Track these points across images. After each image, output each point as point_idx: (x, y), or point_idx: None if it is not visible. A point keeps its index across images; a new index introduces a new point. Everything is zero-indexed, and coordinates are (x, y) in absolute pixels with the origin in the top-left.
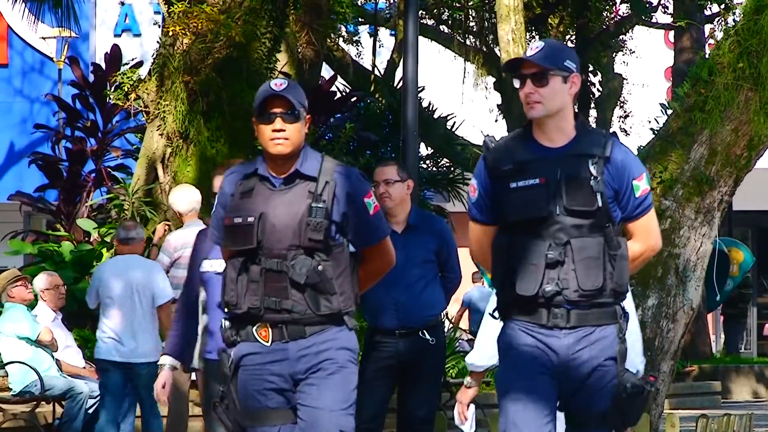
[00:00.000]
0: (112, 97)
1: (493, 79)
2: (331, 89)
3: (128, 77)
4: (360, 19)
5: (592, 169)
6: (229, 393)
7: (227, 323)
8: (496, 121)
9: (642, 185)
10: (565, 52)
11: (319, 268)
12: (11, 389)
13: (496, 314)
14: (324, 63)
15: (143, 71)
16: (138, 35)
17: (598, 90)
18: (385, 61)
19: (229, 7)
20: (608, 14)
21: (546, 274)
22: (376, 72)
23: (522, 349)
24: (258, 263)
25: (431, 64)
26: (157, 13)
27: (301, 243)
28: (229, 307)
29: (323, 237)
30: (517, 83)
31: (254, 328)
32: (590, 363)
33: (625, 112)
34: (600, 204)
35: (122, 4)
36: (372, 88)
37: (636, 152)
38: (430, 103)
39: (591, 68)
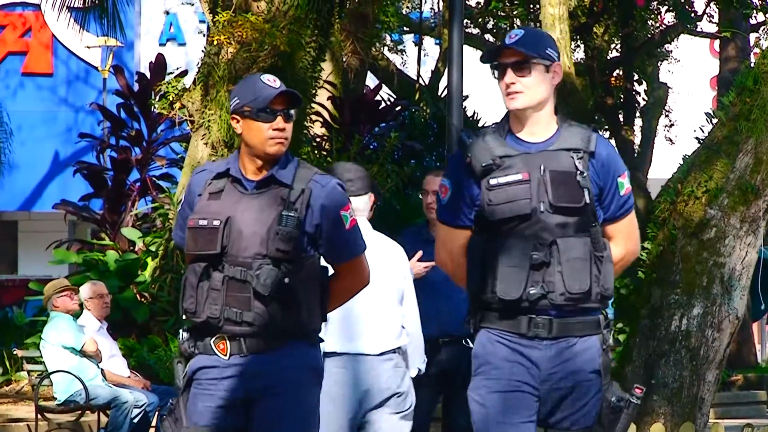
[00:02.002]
0: (156, 106)
1: None
2: (375, 98)
3: (173, 86)
4: (405, 29)
5: (578, 164)
6: (177, 407)
7: (185, 334)
8: None
9: (626, 183)
10: (547, 40)
11: (286, 280)
12: (56, 398)
13: (468, 325)
14: (369, 72)
15: (188, 80)
16: (183, 44)
17: (643, 99)
18: (429, 70)
19: (274, 16)
20: (653, 23)
21: (530, 277)
22: (421, 81)
23: (499, 364)
24: (221, 270)
25: (476, 73)
26: (202, 22)
27: (268, 252)
28: (188, 314)
29: (292, 248)
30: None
31: (212, 339)
32: (573, 377)
33: (670, 121)
34: (587, 200)
35: (167, 13)
36: (417, 97)
37: (681, 161)
38: (474, 112)
39: (636, 77)
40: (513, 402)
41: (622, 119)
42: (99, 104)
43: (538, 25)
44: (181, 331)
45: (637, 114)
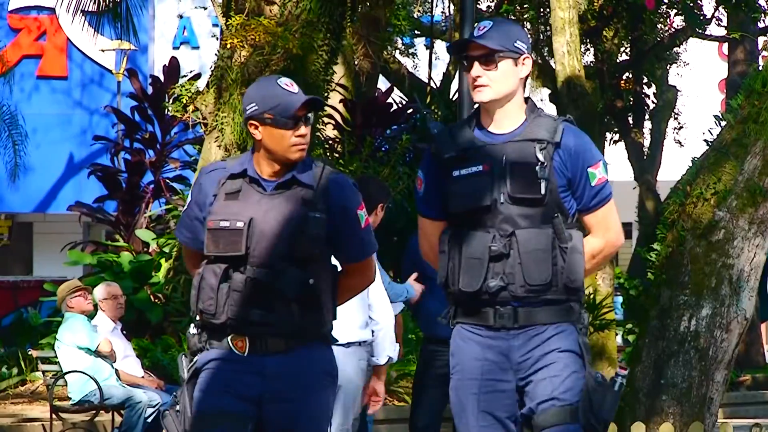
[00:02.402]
0: (170, 109)
1: (548, 91)
2: (387, 101)
3: (186, 89)
4: (416, 32)
5: (539, 155)
6: (182, 397)
7: (195, 330)
8: None
9: (598, 173)
10: (516, 32)
11: (310, 281)
12: (71, 398)
13: (443, 320)
14: (380, 75)
15: (201, 83)
16: (196, 48)
17: (652, 102)
18: (441, 73)
19: (286, 19)
20: (662, 27)
21: (490, 268)
22: (433, 84)
23: (472, 364)
24: (243, 272)
25: None
26: (215, 25)
27: (294, 254)
28: (204, 315)
29: (319, 249)
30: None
31: (229, 337)
32: (545, 357)
33: (679, 123)
34: (544, 192)
35: (181, 17)
36: (428, 100)
37: (690, 163)
38: None
39: (645, 80)
40: (489, 402)
41: (631, 122)
42: (113, 107)
43: (548, 28)
44: (192, 325)
45: (647, 117)
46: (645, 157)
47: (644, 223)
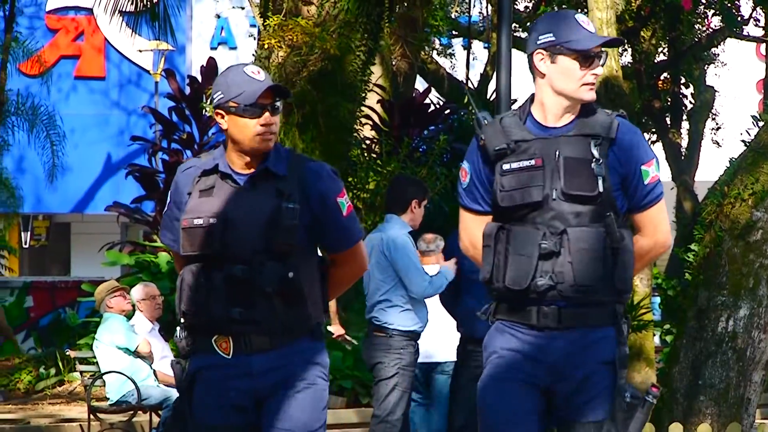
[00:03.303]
0: (207, 109)
1: None
2: (425, 101)
3: None
4: (454, 33)
5: (594, 151)
6: (182, 408)
7: (182, 333)
8: None
9: (651, 171)
10: None
11: (290, 275)
12: (109, 399)
13: (483, 316)
14: (418, 75)
15: None
16: (234, 48)
17: (690, 102)
18: (478, 74)
19: (324, 20)
20: (700, 27)
21: (539, 266)
22: (470, 84)
23: (506, 356)
24: (220, 269)
25: (524, 77)
26: (252, 26)
27: (270, 247)
28: (186, 317)
29: (295, 240)
30: (563, 62)
31: (213, 339)
32: (584, 368)
33: (717, 124)
34: (601, 189)
35: (218, 17)
36: (465, 101)
37: (728, 164)
38: None
39: (683, 81)
40: (511, 392)
41: (669, 122)
42: (151, 107)
43: None
44: (178, 329)
45: (684, 117)
46: (683, 158)
47: (682, 224)
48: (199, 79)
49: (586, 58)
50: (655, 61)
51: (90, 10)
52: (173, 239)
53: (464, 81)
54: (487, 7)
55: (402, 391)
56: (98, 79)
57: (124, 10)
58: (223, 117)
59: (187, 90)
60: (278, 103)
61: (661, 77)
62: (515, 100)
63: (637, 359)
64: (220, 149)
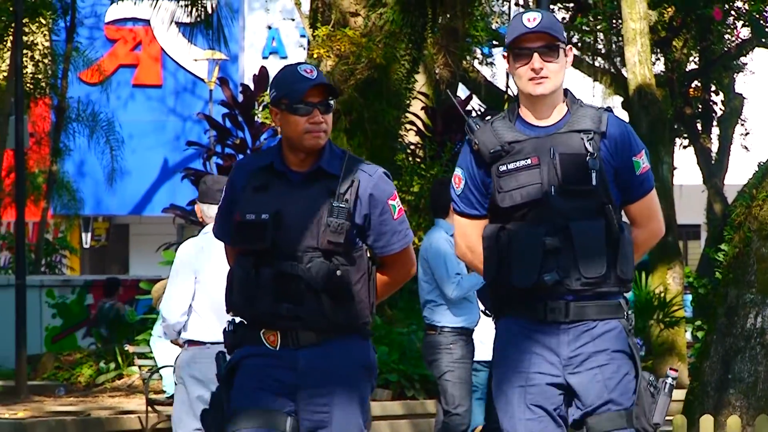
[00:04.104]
0: (259, 116)
1: (621, 99)
2: (466, 108)
3: None
4: (494, 42)
5: (588, 146)
6: (220, 397)
7: (230, 327)
8: None
9: (642, 162)
10: (559, 23)
11: (338, 273)
12: (165, 392)
13: (486, 314)
14: (460, 83)
15: None
16: (284, 57)
17: (720, 109)
18: None
19: (370, 30)
20: (730, 37)
21: (545, 263)
22: (509, 92)
23: (518, 357)
24: (270, 265)
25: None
26: (302, 36)
27: (319, 245)
28: (235, 310)
29: (344, 240)
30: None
31: (261, 332)
32: (597, 357)
33: (745, 129)
34: (595, 182)
35: (270, 28)
36: (505, 107)
37: (756, 167)
38: None
39: (713, 88)
40: (535, 395)
41: (700, 128)
42: (205, 114)
43: (620, 39)
44: (227, 323)
45: (714, 123)
46: (713, 162)
47: (712, 225)
48: (252, 87)
49: (519, 56)
50: (687, 69)
51: (147, 21)
52: (226, 233)
53: (504, 88)
54: None
55: (462, 383)
56: (155, 87)
57: (180, 21)
58: (276, 115)
59: (240, 97)
60: (331, 102)
61: (693, 85)
62: None
63: (669, 354)
64: (277, 146)
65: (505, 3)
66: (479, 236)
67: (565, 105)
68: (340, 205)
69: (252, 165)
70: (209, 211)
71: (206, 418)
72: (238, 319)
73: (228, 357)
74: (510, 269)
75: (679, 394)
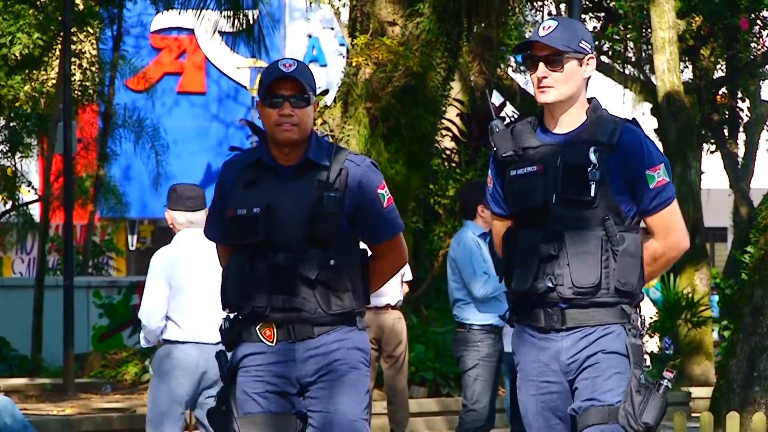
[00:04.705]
0: None
1: (650, 105)
2: (500, 115)
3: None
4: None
5: (592, 157)
6: (226, 398)
7: (226, 324)
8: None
9: (657, 176)
10: (580, 32)
11: (332, 263)
12: None
13: (503, 318)
14: (494, 90)
15: (329, 98)
16: (324, 65)
17: (746, 115)
18: None
19: (407, 39)
20: (756, 46)
21: (540, 269)
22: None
23: (529, 366)
24: (264, 258)
25: (593, 92)
26: (341, 45)
27: (312, 235)
28: (231, 306)
29: (336, 228)
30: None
31: (257, 327)
32: (590, 359)
33: None
34: (594, 194)
35: (310, 36)
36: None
37: None
38: None
39: (740, 95)
40: (548, 403)
41: (726, 134)
42: (248, 120)
43: (649, 47)
44: (222, 320)
45: (741, 129)
46: (739, 167)
47: (739, 228)
48: None
49: (529, 64)
50: (714, 77)
51: (191, 30)
52: (219, 233)
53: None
54: None
55: (484, 380)
56: (199, 94)
57: (223, 30)
58: (258, 108)
59: None
60: (307, 96)
61: (720, 92)
62: None
63: (696, 353)
64: (264, 143)
65: (538, 12)
66: None
67: (584, 114)
68: (331, 194)
69: (240, 162)
70: (180, 218)
71: (214, 419)
72: (233, 315)
73: (228, 355)
74: (512, 273)
75: (706, 392)
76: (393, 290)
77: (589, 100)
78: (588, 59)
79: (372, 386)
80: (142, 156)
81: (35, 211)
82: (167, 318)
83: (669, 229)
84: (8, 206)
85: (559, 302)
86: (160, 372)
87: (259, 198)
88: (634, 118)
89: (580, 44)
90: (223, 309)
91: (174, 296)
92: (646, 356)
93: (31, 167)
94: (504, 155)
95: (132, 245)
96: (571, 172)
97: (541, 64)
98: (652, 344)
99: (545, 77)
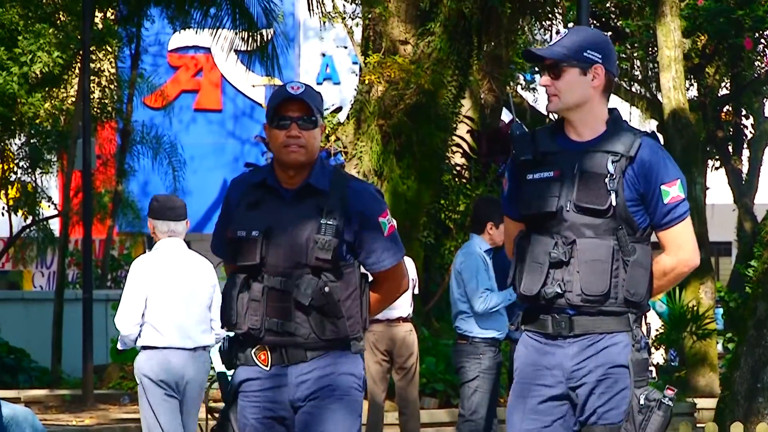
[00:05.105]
0: None
1: (656, 122)
2: (510, 131)
3: (329, 121)
4: (536, 69)
5: (610, 167)
6: (228, 421)
7: (225, 345)
8: None
9: (673, 192)
10: (589, 41)
11: (326, 289)
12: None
13: (512, 326)
14: (504, 108)
15: (342, 116)
16: (337, 83)
17: (750, 132)
18: None
19: (419, 58)
20: (759, 64)
21: (550, 274)
22: (551, 116)
23: (528, 371)
24: (260, 281)
25: None
26: (354, 63)
27: (308, 262)
28: (229, 326)
29: (331, 257)
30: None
31: (253, 350)
32: (597, 371)
33: None
34: (613, 204)
35: (323, 55)
36: None
37: None
38: None
39: (744, 112)
40: (534, 407)
41: (731, 150)
42: (263, 137)
43: (656, 65)
44: (222, 340)
45: (745, 145)
46: (743, 182)
47: (743, 242)
48: None
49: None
50: (719, 94)
51: (208, 49)
52: (222, 250)
53: (546, 113)
54: None
55: (483, 392)
56: (215, 111)
57: (238, 49)
58: (266, 130)
59: None
60: (315, 118)
61: (724, 109)
62: None
63: (701, 364)
64: (270, 164)
65: (546, 32)
66: None
67: (603, 124)
68: (328, 222)
69: (246, 182)
70: (163, 227)
71: None
72: (232, 334)
73: (228, 379)
74: (521, 276)
75: (711, 403)
76: (404, 303)
77: (611, 111)
78: (595, 68)
79: (384, 398)
80: (160, 172)
81: (55, 225)
82: (146, 324)
83: (680, 245)
84: (29, 221)
85: (567, 309)
86: (141, 377)
87: (260, 220)
88: (653, 132)
89: (585, 53)
90: (222, 327)
91: (153, 303)
92: (652, 368)
93: (51, 183)
94: (522, 159)
95: None
96: (587, 180)
97: (545, 73)
98: (658, 356)
99: (548, 86)
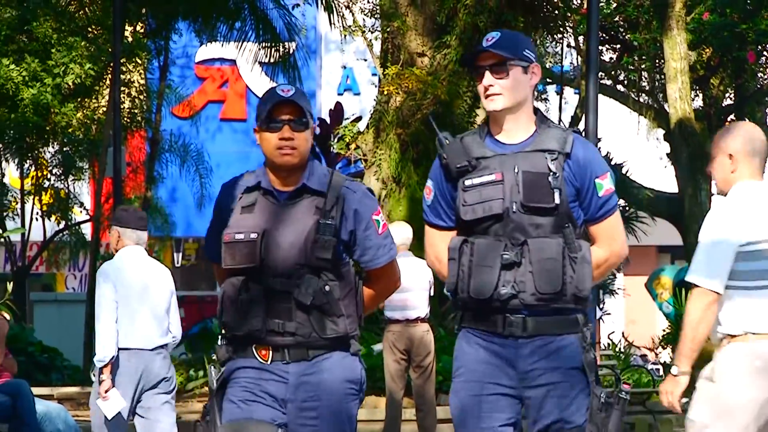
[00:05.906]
0: (335, 147)
1: (663, 131)
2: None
3: (349, 130)
4: (548, 80)
5: (551, 165)
6: (212, 408)
7: (223, 341)
8: (665, 167)
9: (605, 184)
10: (523, 42)
11: (326, 288)
12: None
13: (450, 323)
14: None
15: (362, 125)
16: (357, 94)
17: None
18: (569, 116)
19: (435, 69)
20: (762, 76)
21: (501, 276)
22: (562, 125)
23: (475, 367)
24: (260, 283)
25: (609, 119)
26: (374, 75)
27: (308, 262)
28: (227, 328)
29: (331, 256)
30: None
31: (253, 347)
32: (552, 374)
33: None
34: (558, 201)
35: (344, 67)
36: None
37: None
38: (608, 152)
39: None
40: (490, 405)
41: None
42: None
43: (662, 77)
44: (219, 338)
45: None
46: None
47: None
48: (328, 120)
49: (476, 73)
50: (723, 105)
51: (233, 61)
52: (216, 253)
53: (557, 122)
54: (577, 58)
55: None
56: (240, 120)
57: (262, 61)
58: (256, 133)
59: (317, 130)
60: (306, 120)
61: (728, 119)
62: (601, 139)
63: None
64: (263, 168)
65: (558, 44)
66: (446, 247)
67: (533, 124)
68: (327, 221)
69: (239, 186)
70: (132, 235)
71: (200, 430)
72: (229, 335)
73: (220, 370)
74: (469, 281)
75: None
76: (422, 304)
77: (535, 111)
78: (533, 67)
79: (402, 395)
80: (187, 179)
81: (87, 230)
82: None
83: (613, 236)
84: (62, 226)
85: (521, 309)
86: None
87: (256, 223)
88: (578, 128)
89: (524, 53)
90: (221, 331)
91: (120, 308)
92: (656, 367)
93: (83, 189)
94: (458, 166)
95: (177, 262)
96: (531, 180)
97: (487, 73)
98: (664, 355)
99: (491, 85)
